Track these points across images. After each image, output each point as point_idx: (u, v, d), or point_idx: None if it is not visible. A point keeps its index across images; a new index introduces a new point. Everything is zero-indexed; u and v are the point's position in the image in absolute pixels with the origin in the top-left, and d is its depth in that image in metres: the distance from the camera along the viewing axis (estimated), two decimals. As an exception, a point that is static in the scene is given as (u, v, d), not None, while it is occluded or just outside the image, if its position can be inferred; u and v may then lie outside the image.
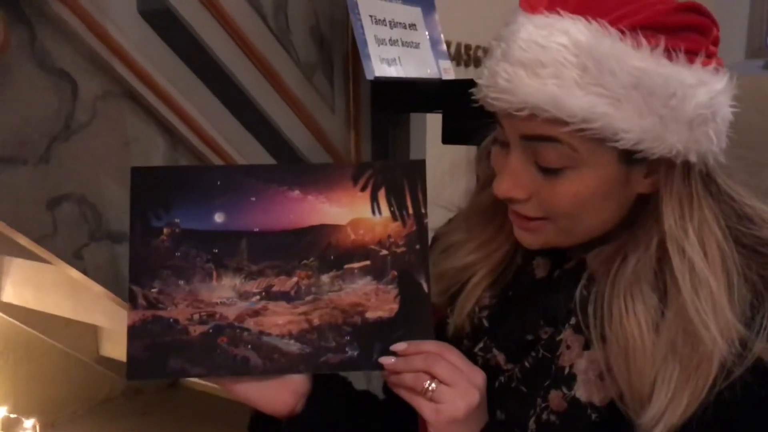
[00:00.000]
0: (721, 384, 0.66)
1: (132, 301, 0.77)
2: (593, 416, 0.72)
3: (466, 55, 3.01)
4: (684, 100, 0.65)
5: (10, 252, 1.81)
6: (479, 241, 0.85)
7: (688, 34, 0.67)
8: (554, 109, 0.65)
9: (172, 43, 1.43)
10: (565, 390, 0.74)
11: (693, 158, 0.67)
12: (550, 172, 0.70)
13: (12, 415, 2.44)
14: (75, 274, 1.33)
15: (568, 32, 0.65)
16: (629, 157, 0.68)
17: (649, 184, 0.71)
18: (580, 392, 0.73)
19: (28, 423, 2.42)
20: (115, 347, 2.69)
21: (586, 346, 0.74)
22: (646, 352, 0.68)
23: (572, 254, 0.79)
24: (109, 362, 2.77)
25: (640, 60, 0.64)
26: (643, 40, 0.65)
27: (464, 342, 0.85)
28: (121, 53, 1.32)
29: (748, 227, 0.71)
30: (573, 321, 0.76)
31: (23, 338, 2.55)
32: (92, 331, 2.71)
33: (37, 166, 1.24)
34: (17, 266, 2.23)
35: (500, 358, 0.81)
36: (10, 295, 2.30)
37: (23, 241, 1.26)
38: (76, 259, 1.31)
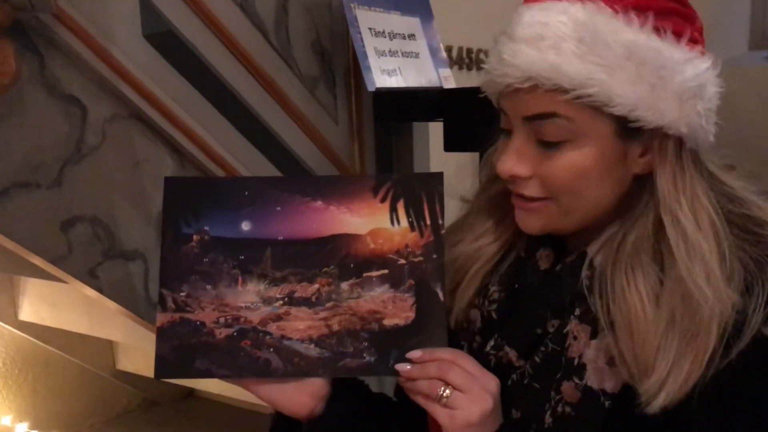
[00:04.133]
0: (721, 356, 0.69)
1: (161, 304, 0.80)
2: (606, 403, 0.74)
3: (467, 59, 3.04)
4: (673, 73, 0.71)
5: (27, 273, 1.85)
6: (477, 233, 0.88)
7: (673, 17, 0.73)
8: (553, 76, 0.70)
9: (176, 64, 1.46)
10: (576, 380, 0.76)
11: (684, 130, 0.72)
12: (550, 147, 0.73)
13: (32, 431, 2.48)
14: (90, 292, 1.37)
15: (567, 11, 0.71)
16: (625, 132, 0.73)
17: (644, 163, 0.75)
18: (592, 380, 0.75)
19: (49, 438, 2.47)
20: (132, 361, 2.73)
21: (593, 335, 0.76)
22: (648, 323, 0.71)
23: (573, 247, 0.82)
24: (126, 376, 2.81)
25: (632, 34, 0.70)
26: (634, 18, 0.71)
27: (476, 338, 0.88)
28: (127, 76, 1.35)
29: (738, 207, 0.76)
30: (577, 312, 0.78)
31: (41, 355, 2.59)
32: (108, 346, 2.75)
33: (51, 189, 1.27)
34: (33, 286, 2.28)
35: (512, 354, 0.83)
36: (28, 314, 2.34)
37: (39, 262, 1.30)
38: (91, 277, 1.35)
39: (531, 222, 0.79)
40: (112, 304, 1.41)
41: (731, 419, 0.71)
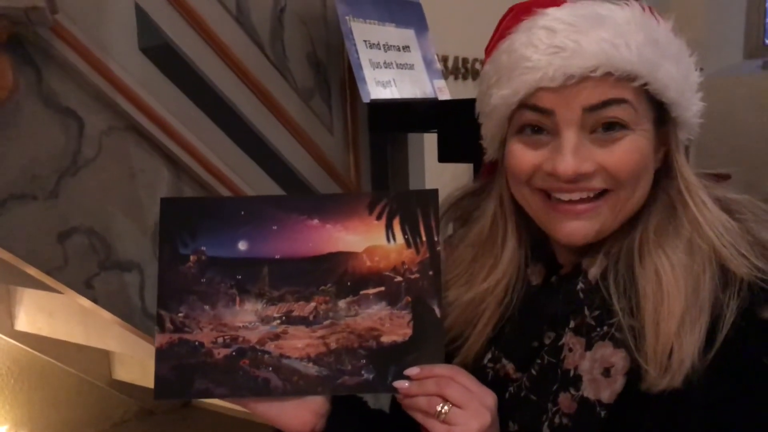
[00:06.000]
0: (709, 335, 0.71)
1: (160, 325, 0.80)
2: (602, 414, 0.75)
3: (463, 69, 3.05)
4: (690, 68, 0.78)
5: (23, 283, 1.86)
6: (479, 280, 0.86)
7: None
8: (632, 64, 0.72)
9: (172, 76, 1.48)
10: (573, 391, 0.77)
11: (697, 121, 0.78)
12: (611, 134, 0.74)
13: (29, 441, 2.47)
14: (86, 303, 1.37)
15: (607, 7, 0.74)
16: (659, 122, 0.77)
17: (658, 159, 0.79)
18: (588, 391, 0.76)
19: (45, 448, 2.46)
20: (128, 371, 2.73)
21: (588, 347, 0.77)
22: (679, 297, 0.73)
23: (565, 261, 0.84)
24: (122, 385, 2.80)
25: (664, 30, 0.76)
26: (659, 17, 0.76)
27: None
28: (124, 89, 1.36)
29: (713, 188, 0.80)
30: (572, 324, 0.79)
31: (38, 365, 2.59)
32: (105, 356, 2.74)
33: (47, 201, 1.28)
34: (30, 296, 2.28)
35: (509, 367, 0.84)
36: (24, 324, 2.34)
37: (35, 273, 1.30)
38: (87, 288, 1.36)
39: (584, 229, 0.77)
40: (107, 315, 1.42)
41: (731, 397, 0.72)
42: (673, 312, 0.72)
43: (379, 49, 1.84)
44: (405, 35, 1.95)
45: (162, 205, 0.83)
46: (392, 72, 1.85)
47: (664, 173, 0.80)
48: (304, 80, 1.82)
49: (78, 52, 1.28)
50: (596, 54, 0.71)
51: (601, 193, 0.76)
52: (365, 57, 1.77)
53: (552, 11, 0.74)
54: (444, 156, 1.76)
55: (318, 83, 1.86)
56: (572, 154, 0.73)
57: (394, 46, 1.89)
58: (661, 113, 0.76)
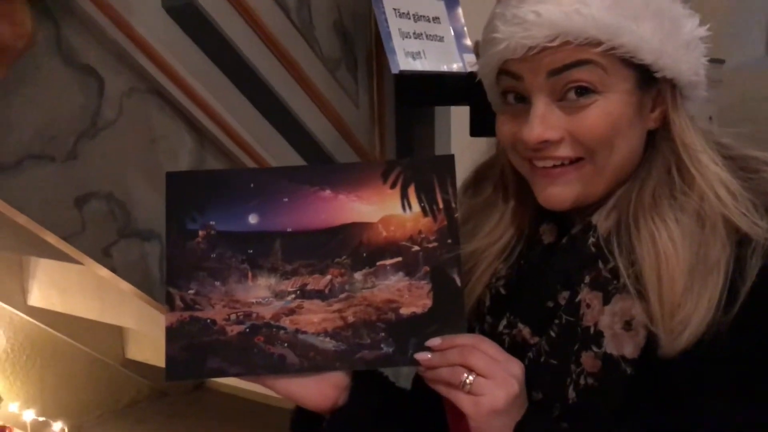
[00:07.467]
0: (729, 293, 0.69)
1: (169, 303, 0.78)
2: (628, 370, 0.73)
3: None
4: (680, 25, 0.75)
5: (38, 252, 1.81)
6: (482, 235, 0.86)
7: None
8: (587, 29, 0.71)
9: (196, 38, 1.42)
10: (595, 348, 0.75)
11: (693, 78, 0.76)
12: (581, 99, 0.73)
13: (40, 418, 2.45)
14: (104, 272, 1.33)
15: None
16: (644, 83, 0.75)
17: (654, 118, 0.78)
18: (610, 347, 0.74)
19: (56, 426, 2.44)
20: (141, 350, 2.71)
21: (606, 301, 0.75)
22: (679, 262, 0.71)
23: (577, 220, 0.81)
24: (135, 365, 2.78)
25: None
26: None
27: (487, 319, 0.86)
28: (146, 49, 1.31)
29: (733, 150, 0.79)
30: (587, 279, 0.77)
31: (50, 342, 2.57)
32: (118, 335, 2.73)
33: (65, 163, 1.23)
34: (44, 268, 2.24)
35: (525, 332, 0.81)
36: (38, 299, 2.31)
37: (51, 239, 1.25)
38: (104, 256, 1.31)
39: (563, 194, 0.77)
40: (125, 285, 1.37)
41: (754, 356, 0.70)
42: (674, 277, 0.71)
43: (409, 18, 1.77)
44: (435, 6, 1.89)
45: (168, 180, 0.80)
46: (422, 43, 1.78)
47: (662, 134, 0.78)
48: (330, 50, 1.76)
49: (99, 7, 1.22)
50: (552, 24, 0.71)
51: (577, 160, 0.75)
52: (395, 26, 1.71)
53: None
54: (476, 130, 1.70)
55: (344, 54, 1.80)
56: (538, 121, 0.74)
57: (424, 16, 1.83)
58: (646, 73, 0.75)
